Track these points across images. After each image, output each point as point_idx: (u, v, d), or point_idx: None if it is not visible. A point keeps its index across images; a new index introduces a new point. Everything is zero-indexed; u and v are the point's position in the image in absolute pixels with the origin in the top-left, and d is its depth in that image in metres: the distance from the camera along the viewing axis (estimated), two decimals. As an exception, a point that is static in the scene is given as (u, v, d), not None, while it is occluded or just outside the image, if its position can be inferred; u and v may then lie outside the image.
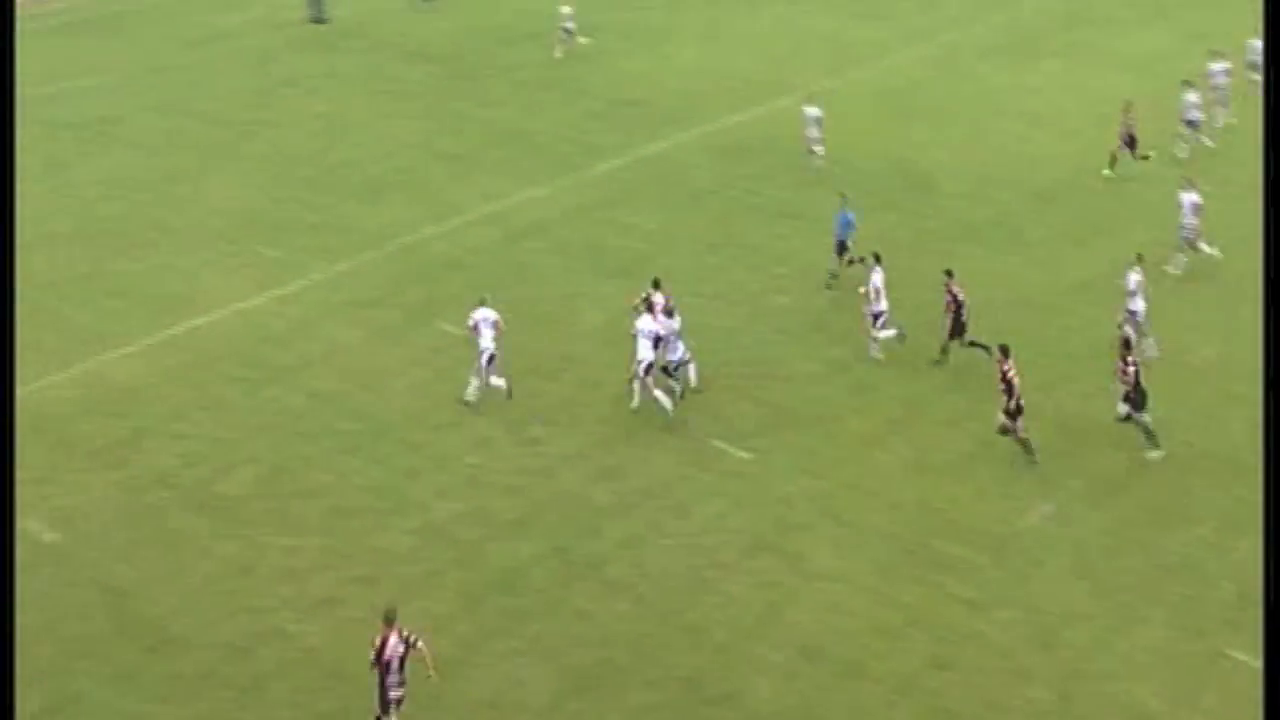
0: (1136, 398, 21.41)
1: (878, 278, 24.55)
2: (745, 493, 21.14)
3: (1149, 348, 24.17)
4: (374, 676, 15.75)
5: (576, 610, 18.62)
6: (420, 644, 15.95)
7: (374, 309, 27.08)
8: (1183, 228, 27.46)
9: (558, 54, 43.07)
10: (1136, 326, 24.37)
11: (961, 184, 33.13)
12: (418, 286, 27.67)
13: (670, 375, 23.13)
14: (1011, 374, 21.13)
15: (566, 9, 43.52)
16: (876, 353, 24.78)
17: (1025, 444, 21.42)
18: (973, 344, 24.22)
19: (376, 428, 23.10)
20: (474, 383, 23.29)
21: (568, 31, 43.37)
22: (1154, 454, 21.55)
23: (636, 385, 22.97)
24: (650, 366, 22.72)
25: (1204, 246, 27.54)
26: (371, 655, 15.77)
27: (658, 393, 22.68)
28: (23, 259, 29.87)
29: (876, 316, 24.66)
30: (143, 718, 16.93)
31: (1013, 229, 30.82)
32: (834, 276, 27.41)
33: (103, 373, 25.10)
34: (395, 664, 15.79)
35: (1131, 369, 21.33)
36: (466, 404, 23.34)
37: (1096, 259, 28.37)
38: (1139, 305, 24.50)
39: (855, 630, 18.11)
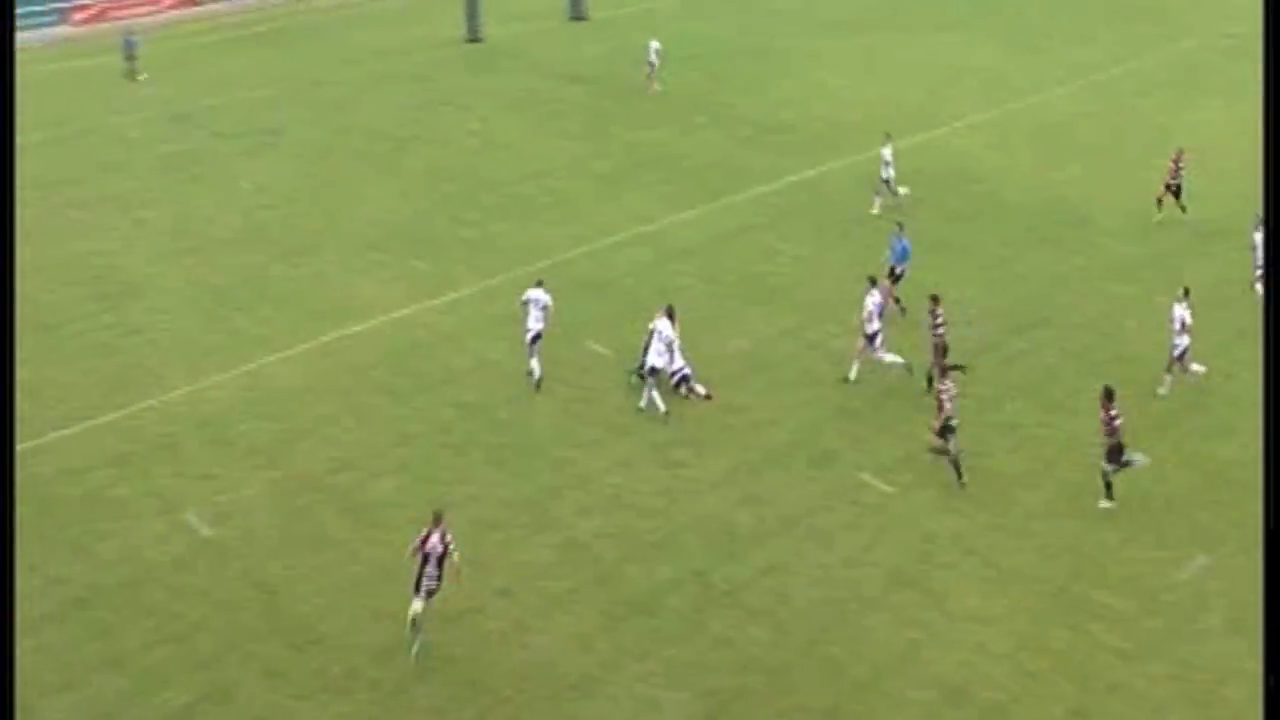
0: (1112, 449, 20.94)
1: (872, 300, 24.52)
2: (889, 527, 20.91)
3: (1197, 375, 24.24)
4: (415, 562, 18.03)
5: (714, 636, 18.61)
6: (456, 555, 18.05)
7: (520, 326, 27.38)
8: (1255, 266, 27.32)
9: (656, 87, 42.74)
10: (1180, 362, 24.09)
11: (1117, 221, 32.40)
12: (565, 305, 27.80)
13: (644, 378, 24.12)
14: (945, 395, 21.42)
15: (655, 43, 43.06)
16: (898, 367, 24.78)
17: (956, 464, 21.53)
18: (937, 377, 23.94)
19: (521, 443, 23.42)
20: (535, 362, 24.92)
21: (651, 65, 42.85)
22: (1105, 504, 21.17)
23: (648, 390, 23.95)
24: (655, 371, 23.72)
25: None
26: (416, 543, 18.04)
27: (655, 394, 23.78)
28: (188, 262, 31.29)
29: (871, 338, 24.67)
30: (290, 713, 17.40)
31: (1171, 269, 29.94)
32: (897, 302, 27.24)
33: (260, 375, 25.92)
34: (434, 559, 17.99)
35: (1115, 422, 20.87)
36: (533, 379, 24.81)
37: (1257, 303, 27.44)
38: (1184, 340, 24.01)
39: (999, 674, 17.75)
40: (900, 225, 28.09)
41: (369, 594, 19.54)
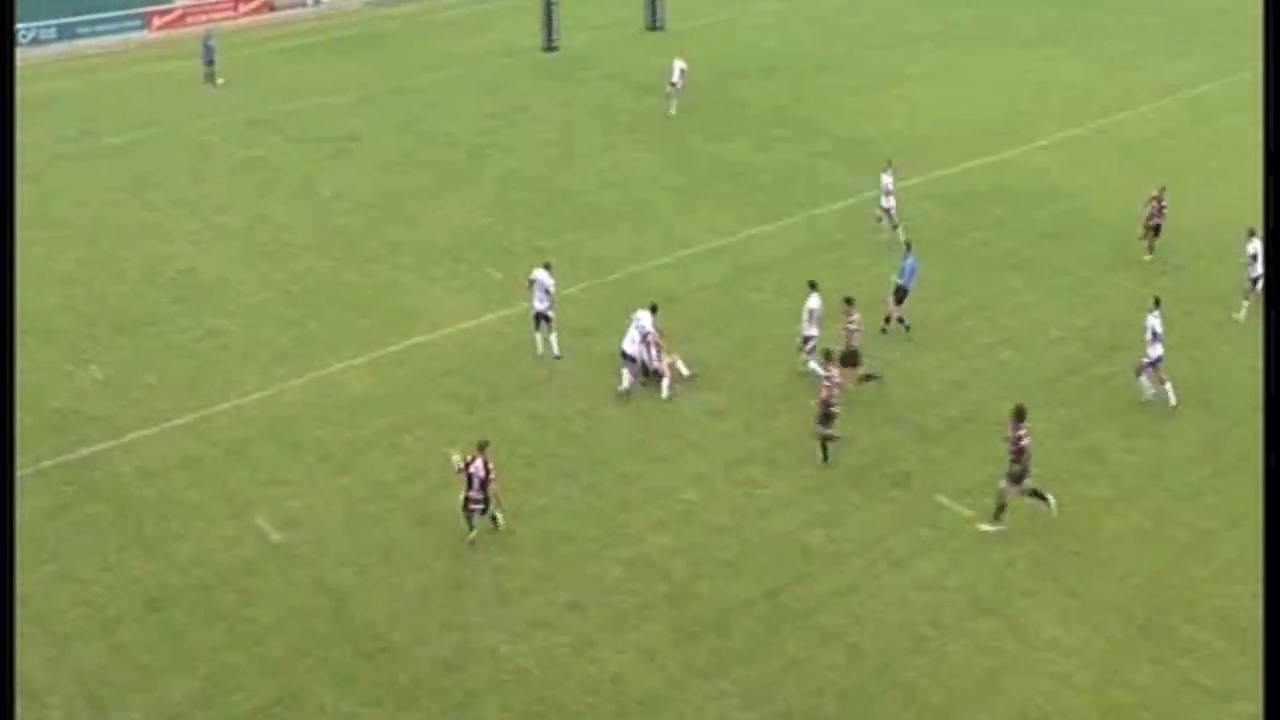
0: (1017, 471, 20.66)
1: (812, 302, 25.07)
2: (966, 552, 20.72)
3: (1167, 393, 24.31)
4: (462, 481, 20.57)
5: (787, 657, 18.55)
6: (494, 483, 20.53)
7: (593, 337, 27.53)
8: (1249, 276, 27.73)
9: (671, 112, 42.10)
10: (1152, 374, 24.35)
11: (1205, 243, 31.86)
12: (639, 317, 28.06)
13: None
14: (828, 383, 22.49)
15: (680, 63, 42.09)
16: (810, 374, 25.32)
17: (825, 446, 22.76)
18: (867, 377, 24.95)
19: (592, 455, 23.52)
20: (538, 337, 26.71)
21: (674, 85, 41.90)
22: (988, 527, 21.03)
23: (625, 371, 25.24)
24: (627, 357, 24.95)
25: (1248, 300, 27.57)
26: (463, 463, 20.49)
27: (625, 372, 25.15)
28: (263, 267, 31.80)
29: (806, 340, 25.01)
30: (358, 721, 17.62)
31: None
32: (901, 322, 27.44)
33: (332, 381, 26.27)
34: (476, 481, 20.47)
35: (1023, 443, 20.55)
36: (538, 353, 26.68)
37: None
38: (1157, 351, 24.22)
39: (1080, 706, 17.52)
40: (908, 244, 27.93)
41: (438, 604, 19.73)
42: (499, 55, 50.47)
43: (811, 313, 25.20)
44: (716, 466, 23.05)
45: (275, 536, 21.42)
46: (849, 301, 24.99)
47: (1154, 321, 24.30)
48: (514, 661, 18.54)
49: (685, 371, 25.52)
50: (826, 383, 22.59)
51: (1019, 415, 20.77)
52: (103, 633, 19.26)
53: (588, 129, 41.61)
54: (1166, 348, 24.43)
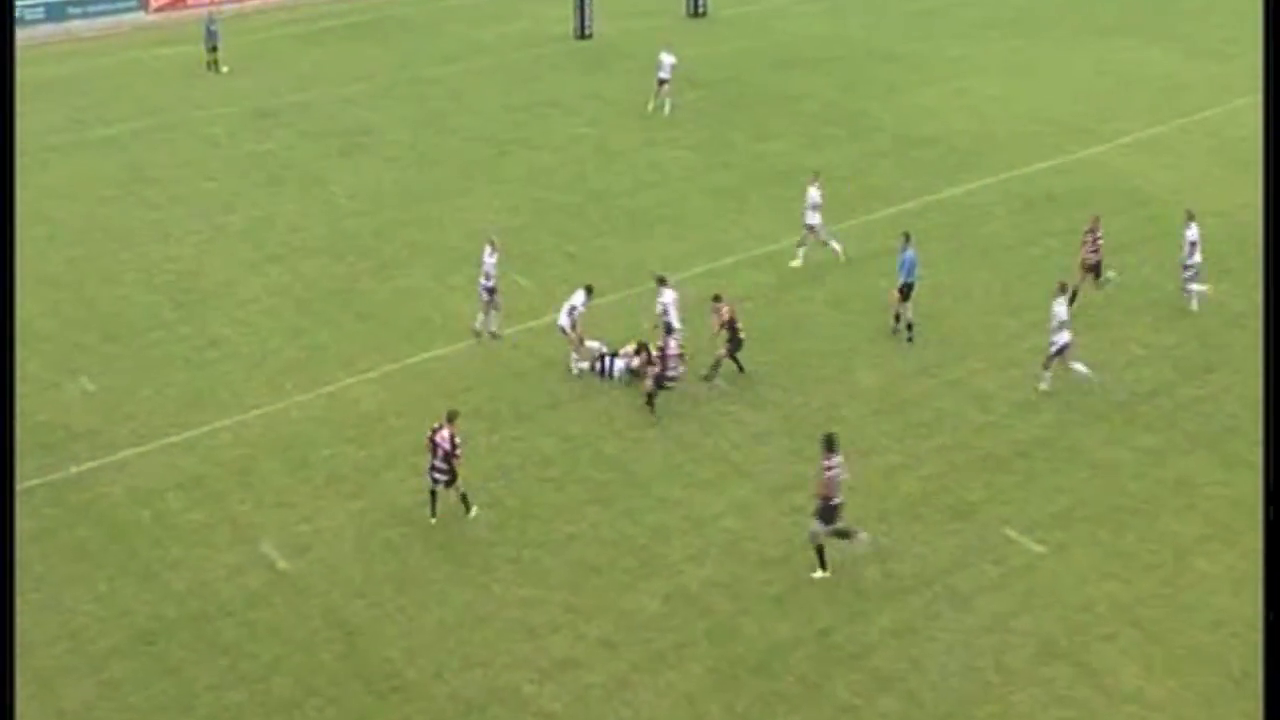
0: (825, 508, 20.48)
1: (666, 297, 26.46)
2: (1038, 591, 20.68)
3: (1084, 374, 25.60)
4: (428, 453, 21.98)
5: (839, 703, 18.56)
6: (458, 454, 21.79)
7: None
8: (1185, 265, 28.75)
9: (650, 108, 42.12)
10: (1060, 359, 25.48)
11: (1309, 255, 31.68)
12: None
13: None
14: (672, 352, 25.07)
15: (669, 58, 41.85)
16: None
17: (651, 400, 25.31)
18: (717, 363, 26.36)
19: (628, 479, 23.62)
20: (480, 317, 28.65)
21: (661, 82, 41.78)
22: (818, 574, 20.89)
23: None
24: (560, 328, 27.03)
25: (1199, 286, 28.89)
26: (428, 435, 21.88)
27: (574, 353, 27.21)
28: (271, 272, 32.10)
29: (669, 329, 26.00)
30: (370, 767, 17.74)
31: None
32: (898, 321, 27.98)
33: (345, 396, 26.49)
34: (440, 453, 21.70)
35: (830, 473, 20.33)
36: (475, 332, 28.60)
37: None
38: (1064, 338, 25.33)
39: (1164, 763, 17.49)
40: (907, 236, 28.01)
41: (457, 639, 19.84)
42: (527, 44, 50.87)
43: (666, 307, 26.39)
44: (762, 493, 23.10)
45: (282, 564, 21.60)
46: (717, 298, 26.45)
47: (1060, 309, 25.25)
48: (540, 703, 18.62)
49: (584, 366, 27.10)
50: (668, 351, 25.14)
51: (829, 446, 20.49)
52: (92, 669, 19.43)
53: (623, 125, 41.84)
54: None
